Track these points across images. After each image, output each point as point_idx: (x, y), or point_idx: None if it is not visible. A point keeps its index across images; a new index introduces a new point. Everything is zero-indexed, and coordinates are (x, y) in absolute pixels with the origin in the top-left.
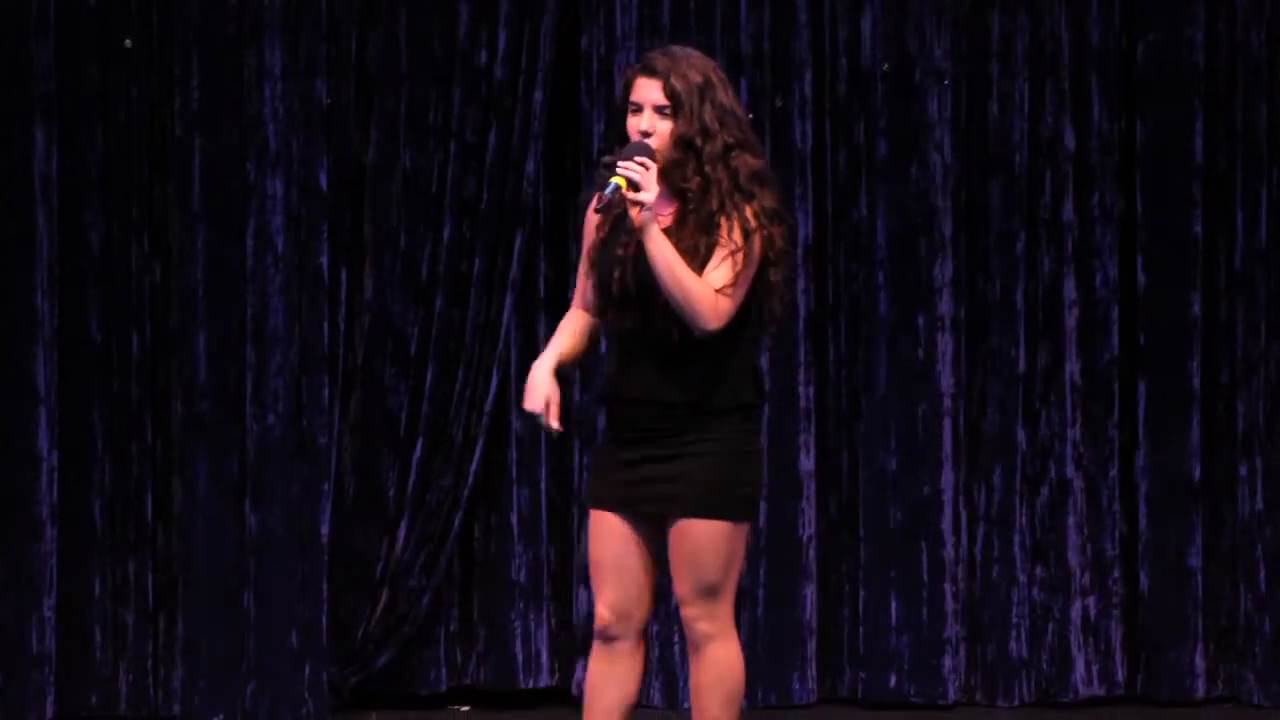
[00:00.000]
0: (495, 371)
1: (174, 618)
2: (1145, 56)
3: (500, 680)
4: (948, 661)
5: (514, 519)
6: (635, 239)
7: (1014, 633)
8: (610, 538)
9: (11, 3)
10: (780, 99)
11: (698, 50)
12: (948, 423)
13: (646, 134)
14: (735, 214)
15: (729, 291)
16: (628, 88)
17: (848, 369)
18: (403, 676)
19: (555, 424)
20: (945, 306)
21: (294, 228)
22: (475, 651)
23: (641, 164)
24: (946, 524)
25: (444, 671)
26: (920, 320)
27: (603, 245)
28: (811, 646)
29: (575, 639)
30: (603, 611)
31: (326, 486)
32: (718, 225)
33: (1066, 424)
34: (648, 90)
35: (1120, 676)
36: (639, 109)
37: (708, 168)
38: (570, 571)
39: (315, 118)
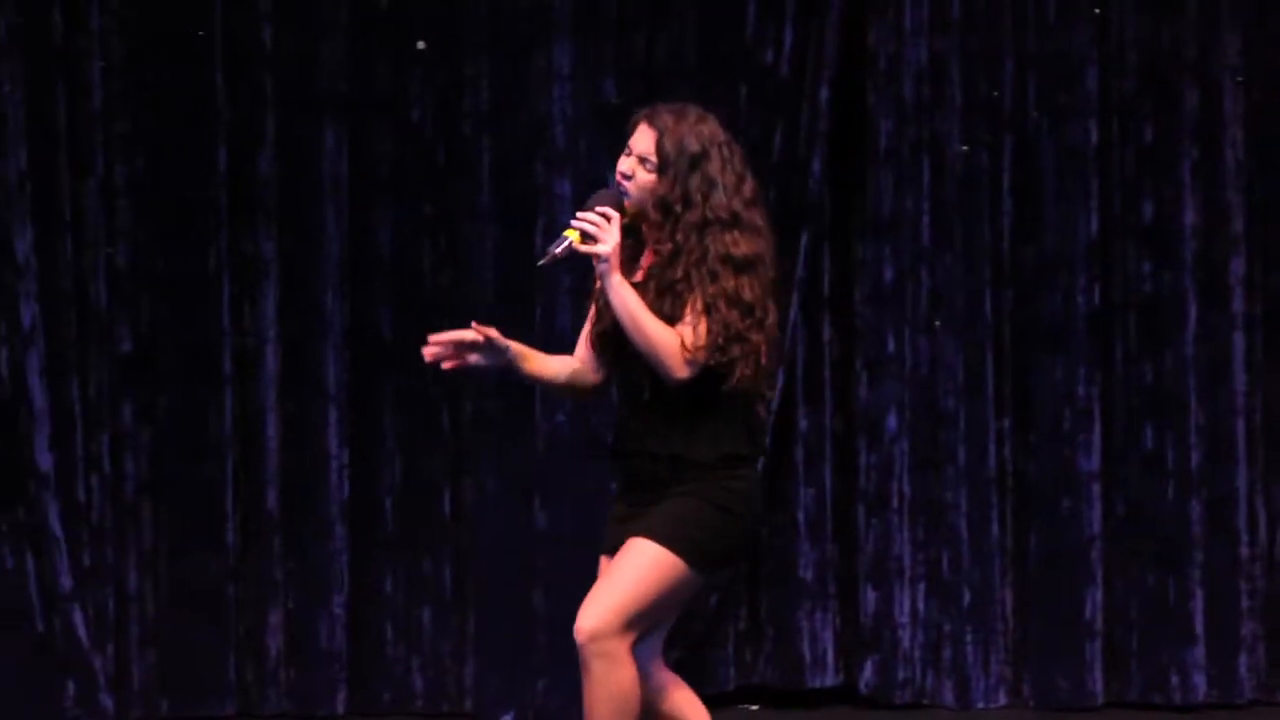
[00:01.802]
0: (781, 370)
1: (466, 614)
2: None
3: (787, 679)
4: (1243, 661)
5: (800, 518)
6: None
7: None
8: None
9: (303, 5)
10: (1063, 95)
11: (714, 118)
12: (1241, 421)
13: (627, 176)
14: (698, 289)
15: (689, 353)
16: (632, 127)
17: (1135, 367)
18: (690, 675)
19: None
20: (1238, 304)
21: None
22: (762, 650)
23: (602, 214)
24: (1241, 521)
25: (732, 670)
26: (1212, 317)
27: (601, 293)
28: (1096, 647)
29: (862, 638)
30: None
31: (615, 486)
32: (680, 294)
33: None
34: (642, 139)
35: None
36: (629, 151)
37: (679, 236)
38: (856, 571)
39: (603, 117)
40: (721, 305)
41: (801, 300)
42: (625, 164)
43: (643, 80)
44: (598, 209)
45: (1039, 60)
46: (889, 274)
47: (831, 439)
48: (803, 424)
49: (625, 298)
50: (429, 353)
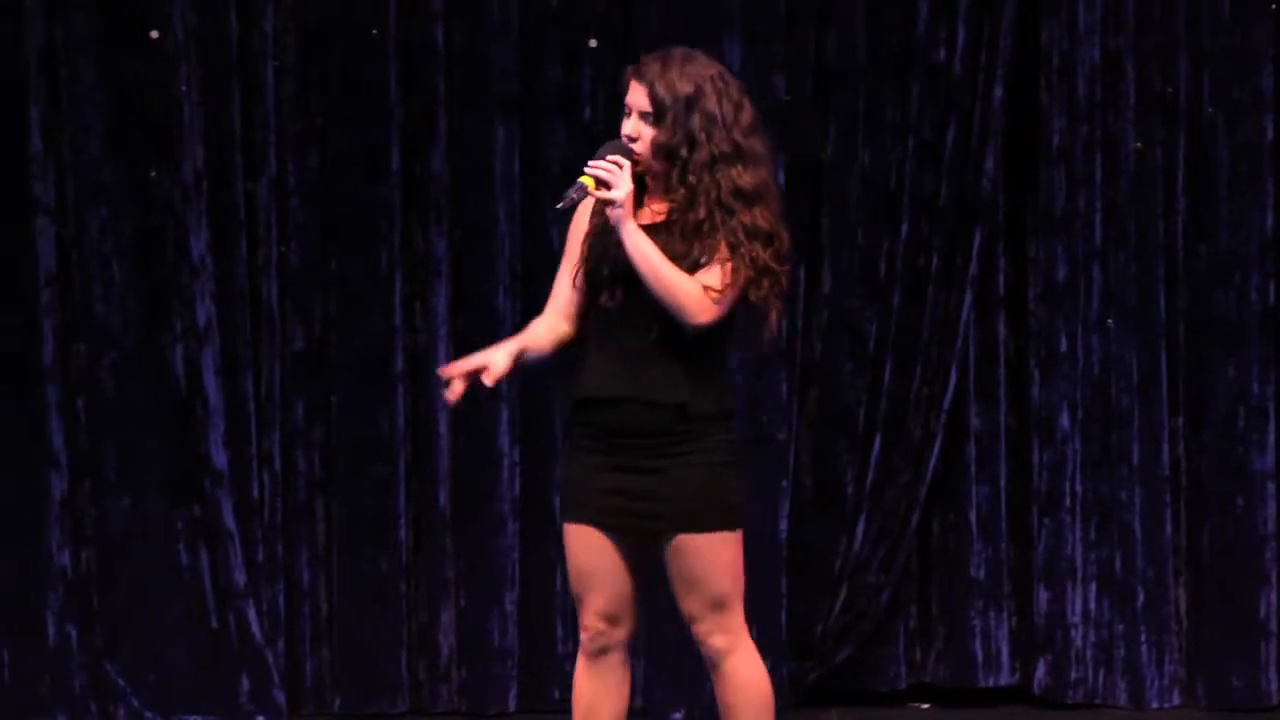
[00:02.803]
0: (954, 368)
1: None
2: None
3: (959, 678)
4: None
5: (972, 516)
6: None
7: None
8: (594, 551)
9: (474, 5)
10: (1239, 91)
11: (704, 53)
12: None
13: (631, 138)
14: (721, 227)
15: (716, 295)
16: (624, 86)
17: None
18: (862, 673)
19: (489, 382)
20: None
21: None
22: (934, 648)
23: (614, 162)
24: None
25: (903, 668)
26: None
27: (598, 234)
28: (1271, 648)
29: (1036, 637)
30: (594, 622)
31: (785, 483)
32: (707, 234)
33: None
34: (635, 94)
35: None
36: (628, 112)
37: (691, 177)
38: (1031, 569)
39: (773, 115)
40: (744, 240)
41: (975, 298)
42: (628, 126)
43: (812, 77)
44: (609, 157)
45: (1214, 56)
46: (1062, 272)
47: (1006, 437)
48: (975, 422)
49: (639, 243)
50: (453, 393)
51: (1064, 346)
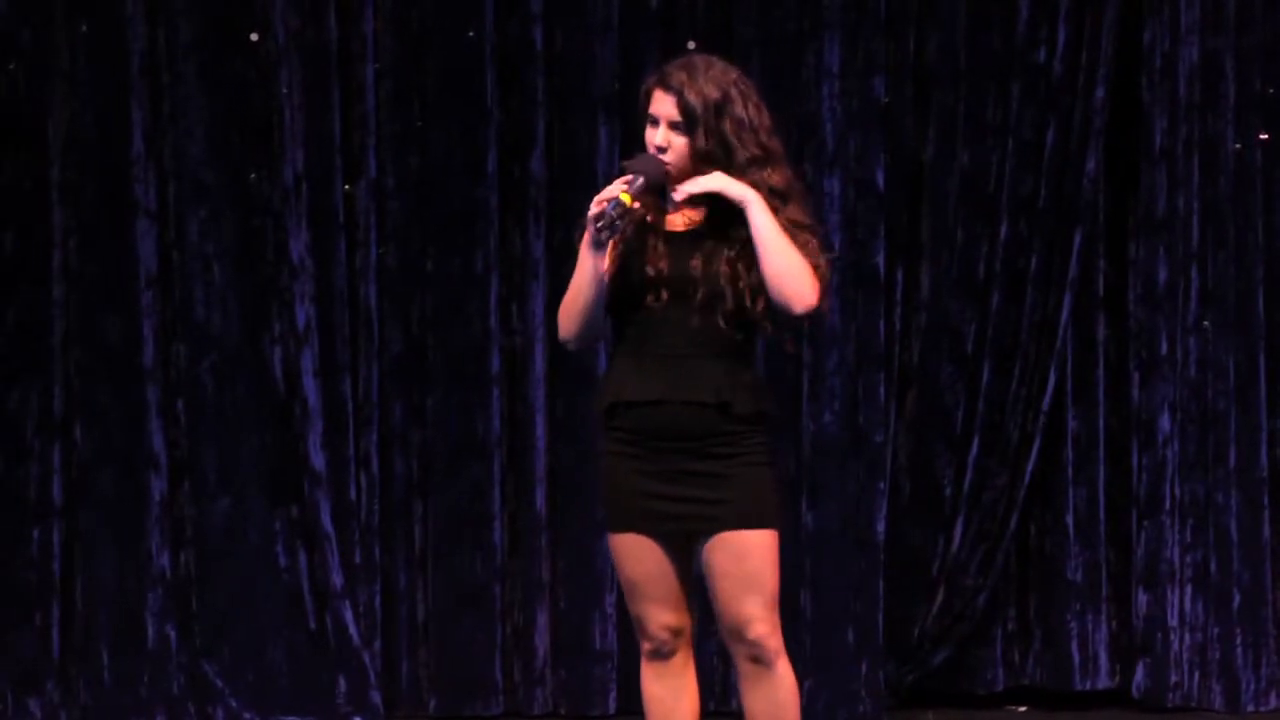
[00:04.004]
0: (1053, 370)
1: None
2: None
3: (1057, 681)
4: None
5: (1069, 519)
6: (661, 238)
7: None
8: (647, 558)
9: (574, 5)
10: None
11: (721, 59)
12: None
13: (661, 149)
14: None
15: (819, 276)
16: (646, 97)
17: None
18: (959, 675)
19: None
20: None
21: (850, 225)
22: (1032, 651)
23: (637, 172)
24: None
25: (1000, 671)
26: None
27: (628, 246)
28: None
29: (1135, 641)
30: (658, 631)
31: (882, 485)
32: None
33: None
34: (661, 104)
35: None
36: (655, 122)
37: (734, 175)
38: (1130, 573)
39: (873, 116)
40: (797, 235)
41: (1075, 300)
42: (656, 137)
43: (912, 79)
44: (632, 174)
45: None
46: (1162, 274)
47: (1105, 440)
48: (1073, 424)
49: (768, 221)
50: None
51: (1164, 348)
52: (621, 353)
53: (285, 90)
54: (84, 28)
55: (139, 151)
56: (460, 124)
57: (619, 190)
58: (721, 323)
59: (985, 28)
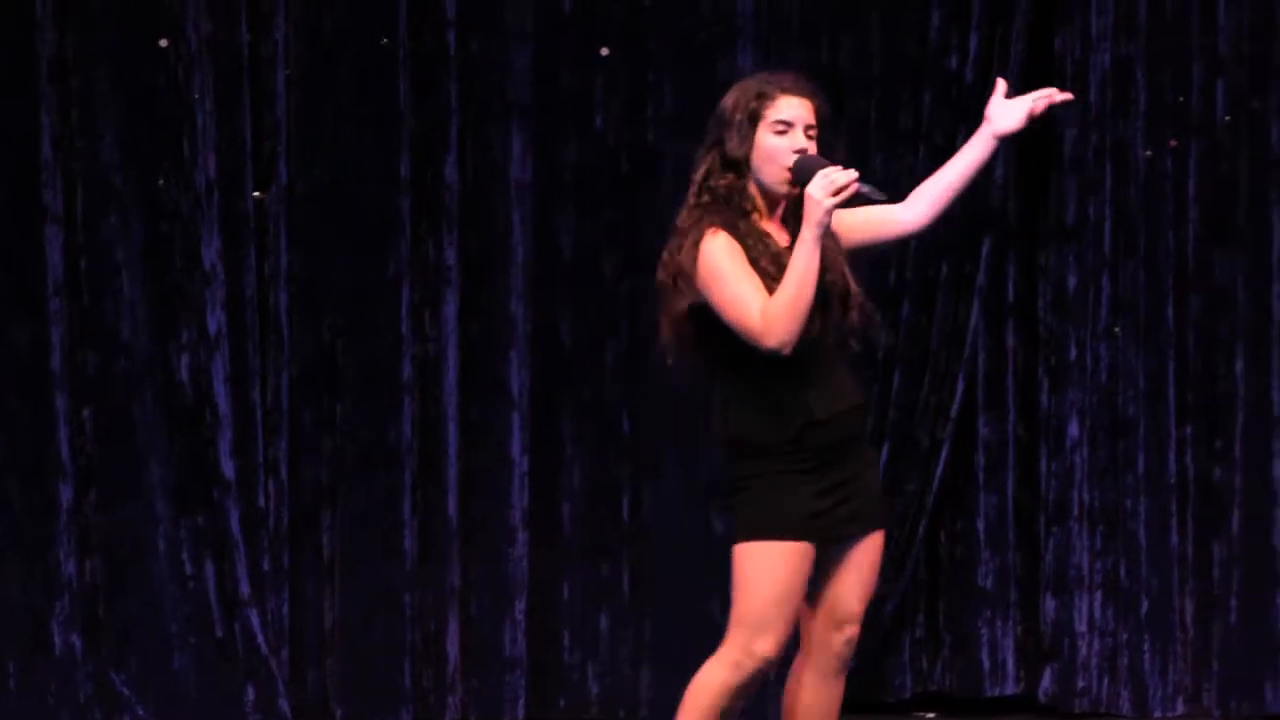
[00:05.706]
0: (962, 377)
1: (643, 621)
2: None
3: (966, 687)
4: None
5: (980, 525)
6: (787, 250)
7: None
8: (800, 571)
9: (487, 13)
10: (1258, 100)
11: None
12: None
13: (802, 152)
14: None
15: None
16: (762, 104)
17: None
18: (868, 682)
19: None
20: None
21: None
22: (941, 658)
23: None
24: None
25: (909, 678)
26: None
27: (757, 264)
28: None
29: (1043, 646)
30: (775, 651)
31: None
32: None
33: None
34: (799, 110)
35: None
36: (787, 128)
37: None
38: (1038, 579)
39: None
40: None
41: (984, 306)
42: (796, 140)
43: (827, 86)
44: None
45: (1227, 64)
46: (1073, 281)
47: (1015, 446)
48: (983, 431)
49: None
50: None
51: (1074, 355)
52: (774, 374)
53: (196, 96)
54: None
55: (47, 157)
56: (373, 130)
57: (847, 175)
58: (848, 328)
59: (897, 35)
